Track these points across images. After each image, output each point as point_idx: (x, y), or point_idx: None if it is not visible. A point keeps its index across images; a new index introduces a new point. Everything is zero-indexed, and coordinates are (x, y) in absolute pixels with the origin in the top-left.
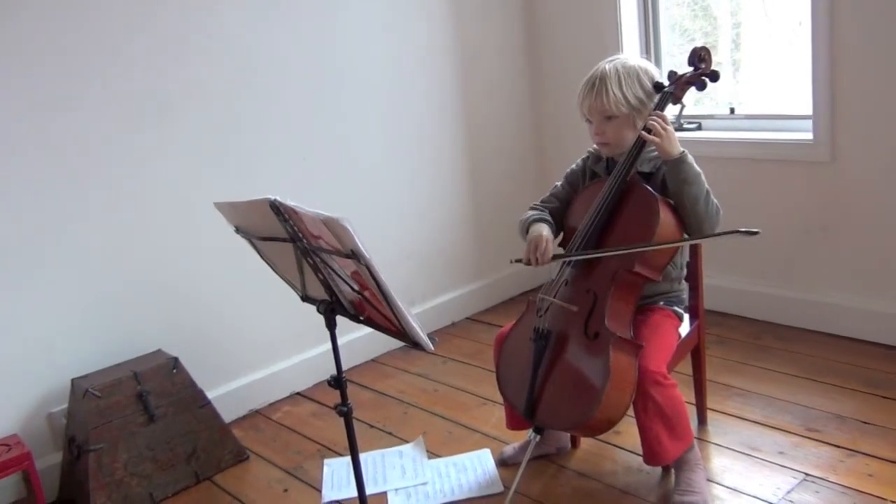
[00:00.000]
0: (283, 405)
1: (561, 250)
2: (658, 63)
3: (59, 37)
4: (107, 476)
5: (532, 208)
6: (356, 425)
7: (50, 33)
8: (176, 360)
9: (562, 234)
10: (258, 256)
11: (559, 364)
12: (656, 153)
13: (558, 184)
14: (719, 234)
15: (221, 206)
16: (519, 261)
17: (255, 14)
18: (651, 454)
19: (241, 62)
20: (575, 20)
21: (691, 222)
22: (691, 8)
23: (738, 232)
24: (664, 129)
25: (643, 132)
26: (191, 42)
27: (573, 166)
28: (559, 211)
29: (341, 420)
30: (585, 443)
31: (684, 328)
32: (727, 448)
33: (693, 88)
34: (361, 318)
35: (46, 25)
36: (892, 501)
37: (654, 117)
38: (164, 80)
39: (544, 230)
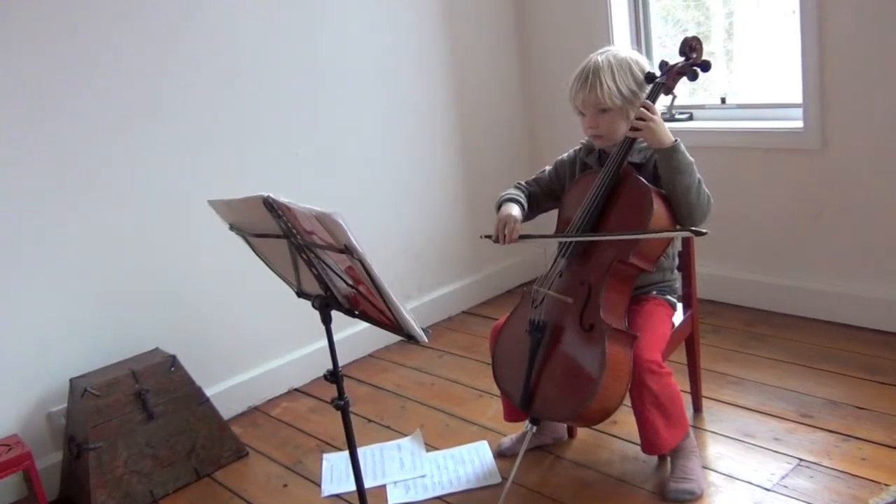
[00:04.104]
0: (282, 401)
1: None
2: (649, 53)
3: (48, 36)
4: (107, 474)
5: (515, 186)
6: (354, 420)
7: (38, 32)
8: (174, 358)
9: (536, 219)
10: (253, 253)
11: (555, 355)
12: (647, 143)
13: (547, 168)
14: (670, 231)
15: (215, 204)
16: (488, 236)
17: (247, 11)
18: (649, 444)
19: (233, 59)
20: (565, 10)
21: (682, 212)
22: None
23: (689, 231)
24: (651, 119)
25: (629, 131)
26: (182, 38)
27: (563, 156)
28: (537, 196)
29: (339, 415)
30: (582, 433)
31: (677, 317)
32: (722, 435)
33: (685, 78)
34: (356, 312)
35: (34, 25)
36: (885, 485)
37: (640, 108)
38: (157, 77)
39: (513, 210)
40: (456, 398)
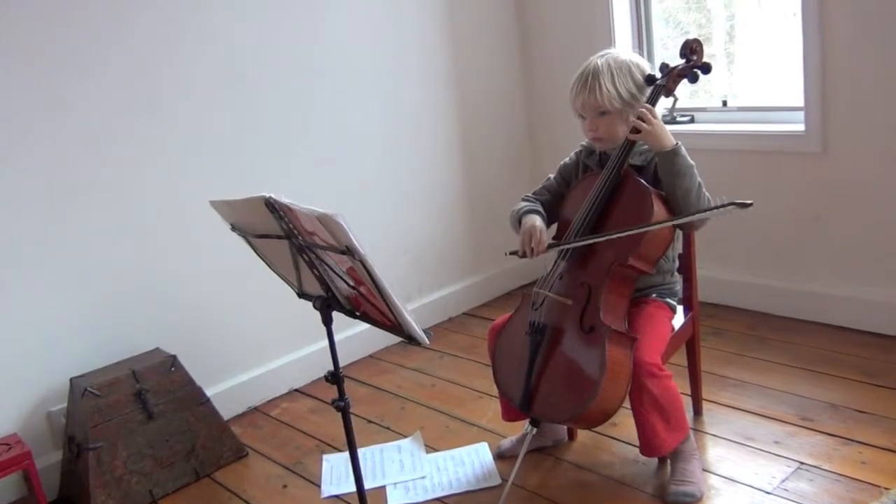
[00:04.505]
0: (282, 402)
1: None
2: (651, 56)
3: (46, 36)
4: (106, 474)
5: (524, 199)
6: (354, 421)
7: (35, 32)
8: (174, 357)
9: (556, 226)
10: (255, 254)
11: (555, 357)
12: (647, 146)
13: (551, 176)
14: (713, 209)
15: (217, 205)
16: (514, 253)
17: (247, 10)
18: (648, 446)
19: (234, 59)
20: (566, 12)
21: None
22: (685, 0)
23: (733, 204)
24: (651, 122)
25: (630, 134)
26: (181, 39)
27: (566, 160)
28: (550, 204)
29: (339, 416)
30: (582, 435)
31: (678, 320)
32: (722, 438)
33: (685, 81)
34: (357, 313)
35: (30, 24)
36: (885, 488)
37: (640, 111)
38: (156, 77)
39: (537, 221)
40: (456, 399)
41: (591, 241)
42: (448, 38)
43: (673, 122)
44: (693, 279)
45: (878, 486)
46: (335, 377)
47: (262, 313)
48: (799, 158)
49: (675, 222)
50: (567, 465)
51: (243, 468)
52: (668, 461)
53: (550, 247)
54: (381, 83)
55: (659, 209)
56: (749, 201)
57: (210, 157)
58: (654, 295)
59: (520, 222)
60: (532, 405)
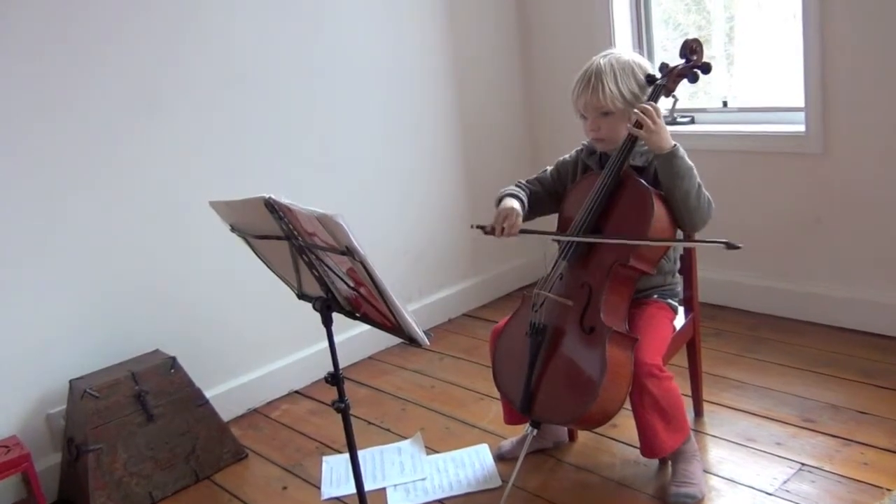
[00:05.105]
0: (282, 403)
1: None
2: (650, 57)
3: (46, 35)
4: (106, 476)
5: (516, 185)
6: (354, 422)
7: (35, 32)
8: (174, 359)
9: (550, 221)
10: (254, 255)
11: (555, 358)
12: (647, 146)
13: (548, 168)
14: (704, 242)
15: (217, 205)
16: (482, 228)
17: (247, 10)
18: (648, 447)
19: (234, 61)
20: (567, 13)
21: (682, 216)
22: (684, 2)
23: (723, 243)
24: (654, 121)
25: (630, 127)
26: (181, 39)
27: (565, 157)
28: (538, 195)
29: (339, 417)
30: (583, 436)
31: (679, 321)
32: (724, 439)
33: (685, 81)
34: (357, 314)
35: (30, 24)
36: (887, 489)
37: (644, 109)
38: (156, 77)
39: (516, 205)
40: (456, 401)
41: (562, 238)
42: (448, 38)
43: (673, 122)
44: (694, 280)
45: (881, 488)
46: (335, 378)
47: (262, 314)
48: (799, 159)
49: (658, 244)
50: (567, 467)
51: (243, 470)
52: (669, 462)
53: (523, 232)
54: (381, 83)
55: (659, 210)
56: (740, 244)
57: (210, 157)
58: (655, 296)
59: (500, 202)
60: (532, 406)
